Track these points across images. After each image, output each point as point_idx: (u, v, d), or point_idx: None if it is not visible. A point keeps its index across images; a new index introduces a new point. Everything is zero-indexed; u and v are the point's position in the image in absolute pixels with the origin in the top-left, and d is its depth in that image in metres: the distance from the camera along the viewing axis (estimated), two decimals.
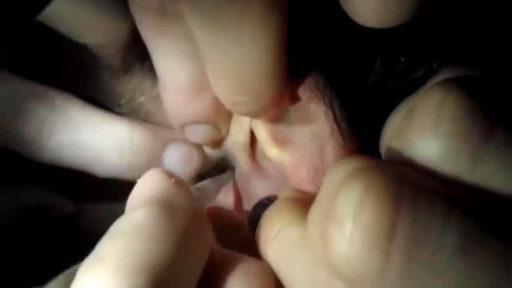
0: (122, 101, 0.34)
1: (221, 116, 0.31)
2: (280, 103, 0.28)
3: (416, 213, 0.20)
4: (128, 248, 0.22)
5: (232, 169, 0.33)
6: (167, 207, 0.24)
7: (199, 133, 0.31)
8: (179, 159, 0.32)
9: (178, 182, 0.26)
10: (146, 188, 0.26)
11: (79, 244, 0.34)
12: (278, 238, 0.25)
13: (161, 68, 0.29)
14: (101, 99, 0.33)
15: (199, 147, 0.33)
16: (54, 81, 0.32)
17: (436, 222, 0.20)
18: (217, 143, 0.32)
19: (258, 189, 0.31)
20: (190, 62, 0.28)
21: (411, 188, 0.21)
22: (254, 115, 0.29)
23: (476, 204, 0.21)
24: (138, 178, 0.31)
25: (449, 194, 0.21)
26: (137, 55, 0.33)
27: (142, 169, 0.31)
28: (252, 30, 0.24)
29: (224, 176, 0.32)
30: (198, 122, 0.31)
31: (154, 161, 0.32)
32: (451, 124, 0.21)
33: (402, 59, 0.29)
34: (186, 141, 0.32)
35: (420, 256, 0.20)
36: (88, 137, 0.31)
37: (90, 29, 0.31)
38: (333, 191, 0.21)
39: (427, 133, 0.22)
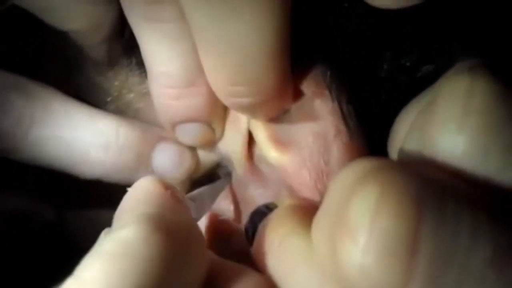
0: (109, 99, 0.32)
1: (215, 115, 0.29)
2: (281, 99, 0.26)
3: (442, 222, 0.17)
4: (114, 271, 0.20)
5: (228, 174, 0.31)
6: (160, 225, 0.21)
7: (191, 133, 0.29)
8: (169, 159, 0.30)
9: (174, 194, 0.24)
10: (138, 200, 0.24)
11: (63, 251, 0.32)
12: (279, 251, 0.24)
13: (150, 58, 0.27)
14: (86, 96, 0.31)
15: (192, 148, 0.31)
16: (35, 76, 0.30)
17: (464, 233, 0.18)
18: (211, 145, 0.30)
19: (256, 196, 0.29)
20: (182, 50, 0.26)
21: (435, 192, 0.18)
22: (252, 110, 0.27)
23: (507, 209, 0.18)
24: (124, 179, 0.29)
25: (477, 199, 0.18)
26: (124, 49, 0.31)
27: (129, 170, 0.30)
28: (253, 3, 0.22)
29: (219, 182, 0.31)
30: (190, 120, 0.29)
31: (142, 160, 0.30)
32: (480, 116, 0.19)
33: (415, 48, 0.27)
34: (178, 141, 0.30)
35: (446, 273, 0.18)
36: (71, 132, 0.29)
37: (73, 13, 0.29)
38: (342, 196, 0.19)
39: (452, 126, 0.19)
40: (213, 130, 0.29)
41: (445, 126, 0.20)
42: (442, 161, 0.20)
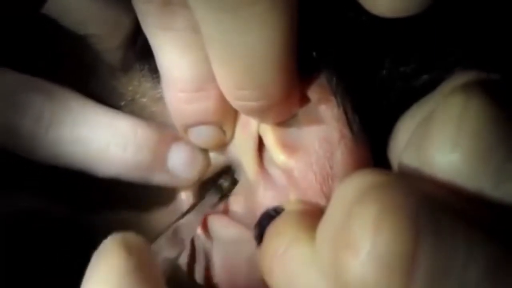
0: (123, 103, 0.33)
1: (226, 117, 0.30)
2: (288, 103, 0.27)
3: (439, 239, 0.18)
4: None
5: (219, 187, 0.32)
6: None
7: (203, 135, 0.30)
8: (184, 160, 0.31)
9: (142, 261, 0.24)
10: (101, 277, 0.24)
11: (74, 250, 0.33)
12: (285, 256, 0.24)
13: (164, 64, 0.29)
14: (101, 101, 0.32)
15: (204, 150, 0.32)
16: (51, 80, 0.31)
17: (461, 249, 0.19)
18: (222, 147, 0.31)
19: (265, 199, 0.30)
20: (193, 56, 0.28)
21: (432, 209, 0.19)
22: (260, 114, 0.28)
23: (501, 224, 0.19)
24: (140, 178, 0.31)
25: (472, 214, 0.19)
26: (137, 55, 0.32)
27: (145, 169, 0.30)
28: (263, 14, 0.23)
29: (205, 201, 0.31)
30: (201, 122, 0.30)
31: (158, 159, 0.31)
32: (472, 138, 0.20)
33: (416, 56, 0.28)
34: (191, 143, 0.31)
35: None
36: (89, 131, 0.30)
37: (92, 18, 0.30)
38: (344, 210, 0.20)
39: (447, 147, 0.20)
40: (224, 132, 0.30)
41: (440, 147, 0.21)
42: (439, 178, 0.21)
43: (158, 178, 0.31)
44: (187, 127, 0.30)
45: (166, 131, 0.31)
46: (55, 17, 0.30)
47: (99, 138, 0.30)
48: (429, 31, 0.27)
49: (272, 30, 0.23)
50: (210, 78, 0.27)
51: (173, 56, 0.28)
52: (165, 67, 0.29)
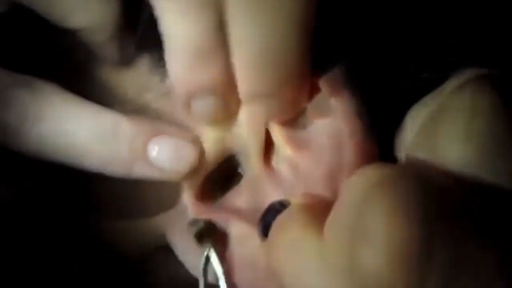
0: (126, 99, 0.33)
1: (231, 90, 0.29)
2: (298, 97, 0.28)
3: (452, 231, 0.18)
4: None
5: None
6: None
7: (204, 106, 0.29)
8: (168, 152, 0.30)
9: None
10: None
11: (75, 250, 0.32)
12: (292, 251, 0.24)
13: (168, 29, 0.28)
14: (100, 98, 0.31)
15: (196, 141, 0.31)
16: (45, 77, 0.31)
17: (475, 240, 0.18)
18: (225, 125, 0.30)
19: (271, 194, 0.30)
20: (200, 22, 0.27)
21: (446, 202, 0.18)
22: (269, 106, 0.28)
23: None
24: (121, 172, 0.30)
25: (483, 205, 0.19)
26: (137, 49, 0.32)
27: (125, 162, 0.30)
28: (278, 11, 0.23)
29: None
30: (204, 92, 0.28)
31: (137, 152, 0.30)
32: (485, 130, 0.21)
33: (422, 52, 0.28)
34: (178, 134, 0.30)
35: (458, 282, 0.18)
36: (71, 125, 0.30)
37: (75, 9, 0.29)
38: (357, 204, 0.20)
39: (459, 139, 0.21)
40: (227, 106, 0.29)
41: (453, 139, 0.21)
42: (450, 170, 0.21)
43: (141, 171, 0.30)
44: (189, 98, 0.29)
45: (148, 124, 0.30)
46: (35, 10, 0.29)
47: (80, 132, 0.30)
48: (439, 27, 0.28)
49: (289, 26, 0.23)
50: (216, 45, 0.27)
51: (178, 21, 0.27)
52: (170, 33, 0.27)
